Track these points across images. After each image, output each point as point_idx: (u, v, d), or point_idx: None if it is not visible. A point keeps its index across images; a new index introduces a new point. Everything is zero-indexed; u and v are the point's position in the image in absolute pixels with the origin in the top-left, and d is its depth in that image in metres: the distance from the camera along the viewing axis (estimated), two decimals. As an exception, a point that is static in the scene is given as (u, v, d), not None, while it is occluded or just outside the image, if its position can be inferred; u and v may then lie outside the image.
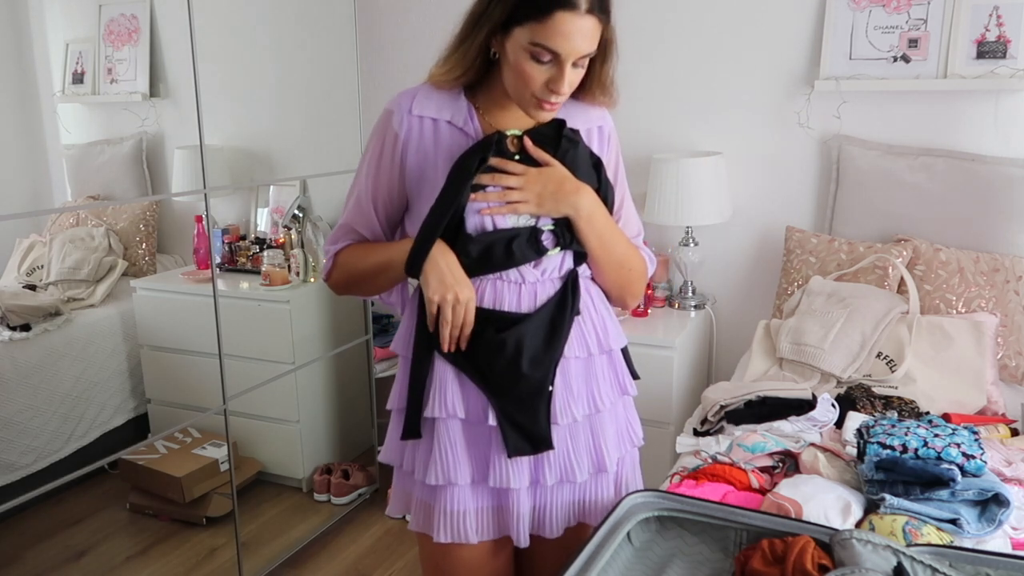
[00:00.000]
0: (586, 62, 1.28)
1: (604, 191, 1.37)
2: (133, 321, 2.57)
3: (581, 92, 1.37)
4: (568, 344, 1.35)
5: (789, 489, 1.54)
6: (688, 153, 2.75)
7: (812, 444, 1.79)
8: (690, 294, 2.81)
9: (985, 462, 1.51)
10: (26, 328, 2.25)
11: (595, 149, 1.40)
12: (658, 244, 2.88)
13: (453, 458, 1.34)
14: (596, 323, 1.40)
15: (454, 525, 1.36)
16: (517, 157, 1.32)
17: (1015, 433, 1.95)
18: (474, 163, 1.28)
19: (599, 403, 1.39)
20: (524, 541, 1.38)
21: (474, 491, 1.37)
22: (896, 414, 1.93)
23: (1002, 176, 2.36)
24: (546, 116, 1.31)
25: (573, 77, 1.27)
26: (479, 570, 1.43)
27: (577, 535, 1.41)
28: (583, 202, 1.33)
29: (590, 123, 1.41)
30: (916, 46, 2.48)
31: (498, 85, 1.34)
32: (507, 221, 1.32)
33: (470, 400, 1.34)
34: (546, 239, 1.33)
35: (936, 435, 1.54)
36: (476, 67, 1.32)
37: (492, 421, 1.32)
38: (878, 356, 2.21)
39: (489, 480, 1.35)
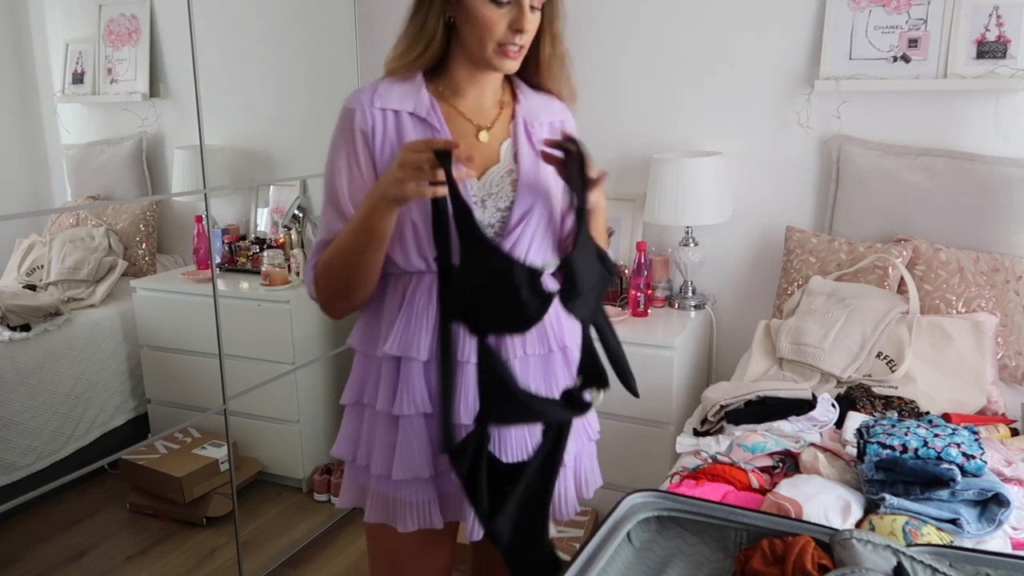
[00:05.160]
0: (541, 3, 1.28)
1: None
2: (133, 321, 2.57)
3: (538, 72, 1.38)
4: (529, 341, 1.34)
5: (789, 489, 1.54)
6: (688, 153, 2.75)
7: (812, 444, 1.79)
8: (690, 294, 2.81)
9: (985, 462, 1.51)
10: (26, 328, 2.25)
11: None
12: (658, 244, 2.89)
13: (419, 452, 1.34)
14: (553, 319, 1.38)
15: (420, 513, 1.36)
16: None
17: (1015, 433, 1.95)
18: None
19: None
20: (477, 534, 1.36)
21: (434, 481, 1.37)
22: (896, 414, 1.93)
23: (1002, 176, 2.36)
24: (510, 64, 1.30)
25: (531, 23, 1.28)
26: (432, 553, 1.43)
27: None
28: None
29: (552, 116, 1.41)
30: (916, 46, 2.48)
31: (458, 67, 1.34)
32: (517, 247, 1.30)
33: (435, 393, 1.33)
34: (548, 282, 1.22)
35: (936, 435, 1.54)
36: (437, 41, 1.31)
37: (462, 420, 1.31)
38: (878, 356, 2.21)
39: (446, 475, 1.35)
